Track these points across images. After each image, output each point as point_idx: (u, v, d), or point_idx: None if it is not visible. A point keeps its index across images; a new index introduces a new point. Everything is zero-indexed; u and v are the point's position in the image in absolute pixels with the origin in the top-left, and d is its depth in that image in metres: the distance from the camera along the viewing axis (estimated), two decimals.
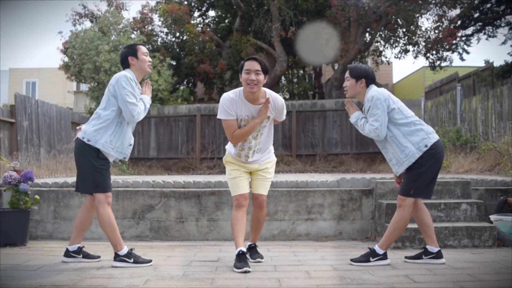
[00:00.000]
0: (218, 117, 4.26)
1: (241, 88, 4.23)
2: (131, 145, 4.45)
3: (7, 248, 5.18)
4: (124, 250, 4.25)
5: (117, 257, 4.24)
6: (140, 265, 4.22)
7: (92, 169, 4.21)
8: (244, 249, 4.17)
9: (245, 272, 3.96)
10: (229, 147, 4.47)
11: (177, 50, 19.13)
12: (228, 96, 4.23)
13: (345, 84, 4.46)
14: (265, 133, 4.35)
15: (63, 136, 12.38)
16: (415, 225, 4.77)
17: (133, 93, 4.22)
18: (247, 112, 4.22)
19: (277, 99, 4.29)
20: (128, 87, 4.20)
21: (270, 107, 4.20)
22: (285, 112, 4.45)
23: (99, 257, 4.51)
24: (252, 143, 4.30)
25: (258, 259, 4.45)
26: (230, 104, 4.19)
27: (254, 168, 4.41)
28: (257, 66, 4.11)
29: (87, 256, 4.47)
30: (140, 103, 4.31)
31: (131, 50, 4.40)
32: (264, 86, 4.31)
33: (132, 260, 4.23)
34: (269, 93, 4.28)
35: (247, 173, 4.41)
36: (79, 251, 4.46)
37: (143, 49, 4.43)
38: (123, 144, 4.33)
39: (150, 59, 4.51)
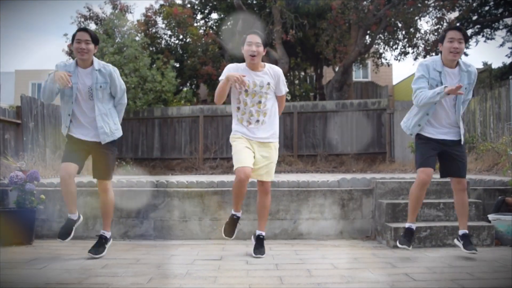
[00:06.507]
0: (220, 78, 4.53)
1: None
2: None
3: (13, 247, 5.17)
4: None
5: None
6: None
7: None
8: (239, 215, 4.72)
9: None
10: (233, 120, 4.65)
11: (181, 52, 19.13)
12: (234, 64, 4.63)
13: (459, 46, 4.32)
14: (269, 106, 4.58)
15: None
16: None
17: None
18: (249, 78, 4.50)
19: (275, 67, 4.68)
20: None
21: (270, 73, 4.58)
22: (284, 83, 4.71)
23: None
24: (252, 109, 4.53)
25: (259, 255, 4.46)
26: (233, 69, 4.54)
27: (256, 146, 4.52)
28: (258, 39, 4.49)
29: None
30: None
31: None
32: None
33: None
34: (269, 65, 4.68)
35: (250, 150, 4.49)
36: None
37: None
38: None
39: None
